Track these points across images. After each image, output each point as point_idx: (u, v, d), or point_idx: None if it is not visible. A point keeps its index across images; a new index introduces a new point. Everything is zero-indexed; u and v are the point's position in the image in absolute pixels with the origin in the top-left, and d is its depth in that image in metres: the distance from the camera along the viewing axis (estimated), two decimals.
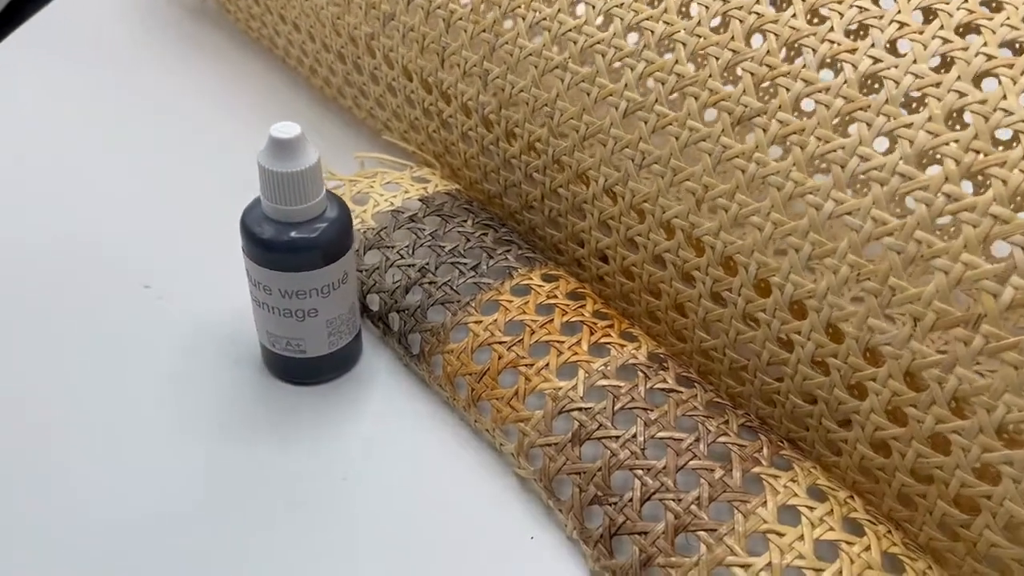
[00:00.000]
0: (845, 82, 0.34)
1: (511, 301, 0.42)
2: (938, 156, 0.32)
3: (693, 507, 0.34)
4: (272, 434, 0.41)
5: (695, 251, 0.39)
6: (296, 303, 0.39)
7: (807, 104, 0.36)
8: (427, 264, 0.44)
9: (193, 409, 0.41)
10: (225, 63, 0.67)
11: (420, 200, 0.48)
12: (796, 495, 0.35)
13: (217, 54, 0.68)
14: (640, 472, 0.36)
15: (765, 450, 0.36)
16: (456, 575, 0.36)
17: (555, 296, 0.43)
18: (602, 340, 0.40)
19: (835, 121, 0.34)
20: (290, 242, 0.38)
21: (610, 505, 0.36)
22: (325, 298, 0.40)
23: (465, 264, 0.44)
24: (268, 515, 0.37)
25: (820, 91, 0.34)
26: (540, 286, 0.43)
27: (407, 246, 0.45)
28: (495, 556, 0.37)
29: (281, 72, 0.67)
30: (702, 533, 0.34)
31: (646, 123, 0.39)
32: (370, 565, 0.36)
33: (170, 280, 0.48)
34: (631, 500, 0.35)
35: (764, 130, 0.36)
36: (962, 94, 0.32)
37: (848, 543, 0.33)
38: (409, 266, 0.45)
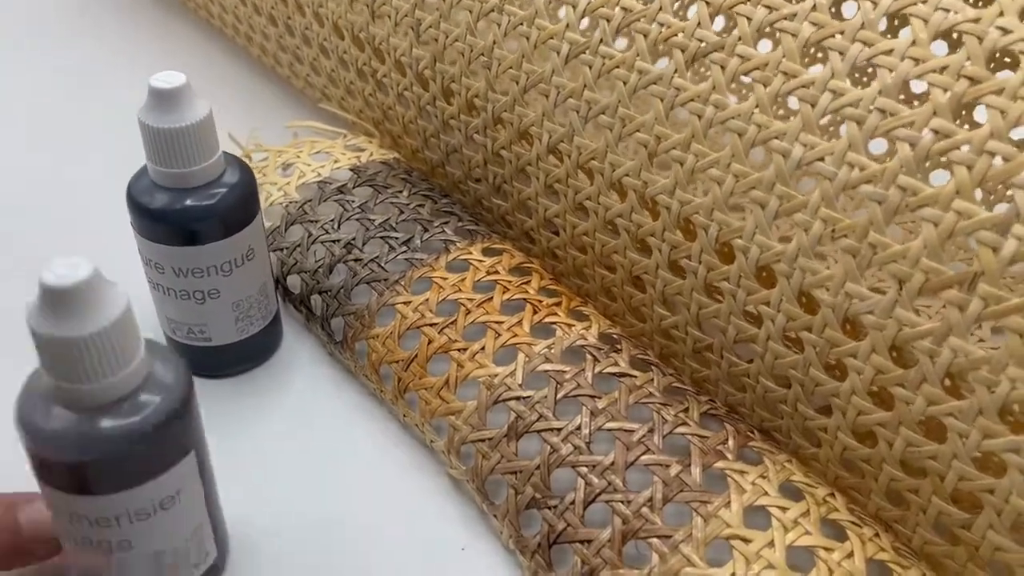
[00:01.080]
0: (814, 6, 0.29)
1: (446, 278, 0.37)
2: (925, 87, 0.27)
3: (644, 510, 0.29)
4: None
5: (650, 214, 0.34)
6: (194, 283, 0.34)
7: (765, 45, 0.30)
8: (353, 239, 0.39)
9: None
10: (157, 34, 0.62)
11: (351, 170, 0.43)
12: (766, 494, 0.29)
13: (149, 24, 0.63)
14: (584, 470, 0.30)
15: (731, 441, 0.31)
16: None
17: (496, 272, 0.37)
18: (547, 320, 0.35)
19: (803, 53, 0.29)
20: (182, 211, 0.33)
21: (549, 509, 0.30)
22: (227, 276, 0.35)
23: (396, 238, 0.39)
24: None
25: (785, 18, 0.29)
26: (480, 261, 0.38)
27: (332, 220, 0.40)
28: (421, 569, 0.31)
29: (218, 41, 0.62)
30: (654, 540, 0.29)
31: (591, 68, 0.34)
32: None
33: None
34: (573, 503, 0.30)
35: (723, 67, 0.30)
36: (951, 11, 0.26)
37: (827, 549, 0.28)
38: (334, 242, 0.39)
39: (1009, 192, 0.25)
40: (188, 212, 0.33)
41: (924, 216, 0.26)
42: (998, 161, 0.25)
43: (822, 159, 0.28)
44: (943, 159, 0.26)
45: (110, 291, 0.24)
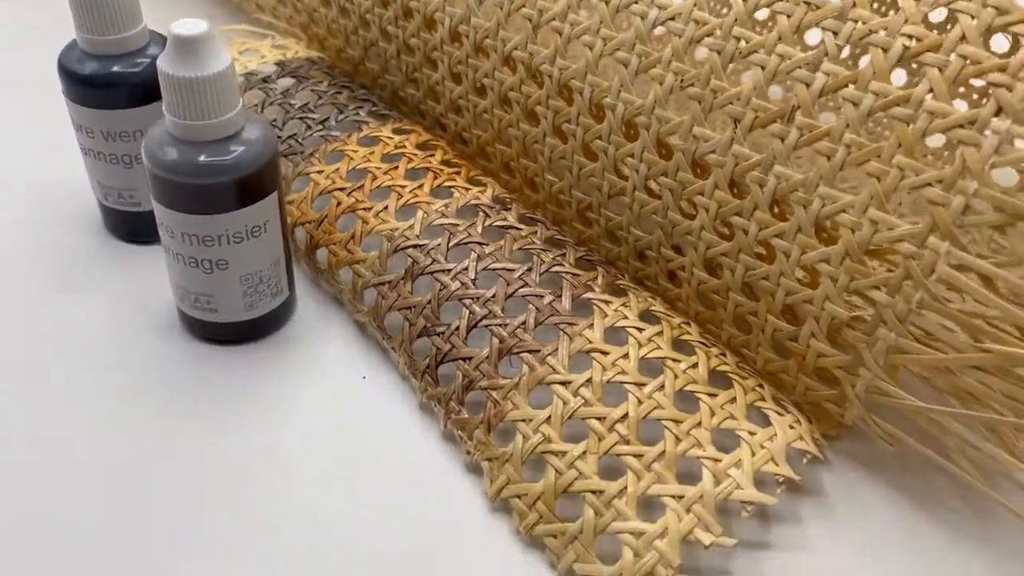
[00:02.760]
0: None
1: (356, 151, 0.41)
2: None
3: (519, 331, 0.33)
4: (105, 292, 0.39)
5: (536, 84, 0.38)
6: (121, 147, 0.38)
7: None
8: (274, 120, 0.43)
9: (26, 273, 0.39)
10: None
11: (276, 64, 0.46)
12: (626, 318, 0.33)
13: None
14: (468, 301, 0.34)
15: (600, 279, 0.35)
16: (281, 421, 0.34)
17: (404, 147, 0.41)
18: (446, 184, 0.39)
19: None
20: (110, 76, 0.36)
21: (438, 335, 0.34)
22: None
23: (313, 119, 0.42)
24: (97, 372, 0.36)
25: None
26: (390, 138, 0.41)
27: (255, 106, 0.44)
28: (322, 399, 0.35)
29: None
30: (525, 355, 0.32)
31: None
32: (184, 416, 0.34)
33: None
34: (457, 328, 0.34)
35: None
36: None
37: (675, 360, 0.32)
38: None
39: (819, 35, 0.29)
40: (115, 77, 0.36)
41: (753, 61, 0.30)
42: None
43: (673, 19, 0.32)
44: (770, 9, 0.30)
45: (220, 48, 0.31)
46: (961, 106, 0.33)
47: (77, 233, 0.41)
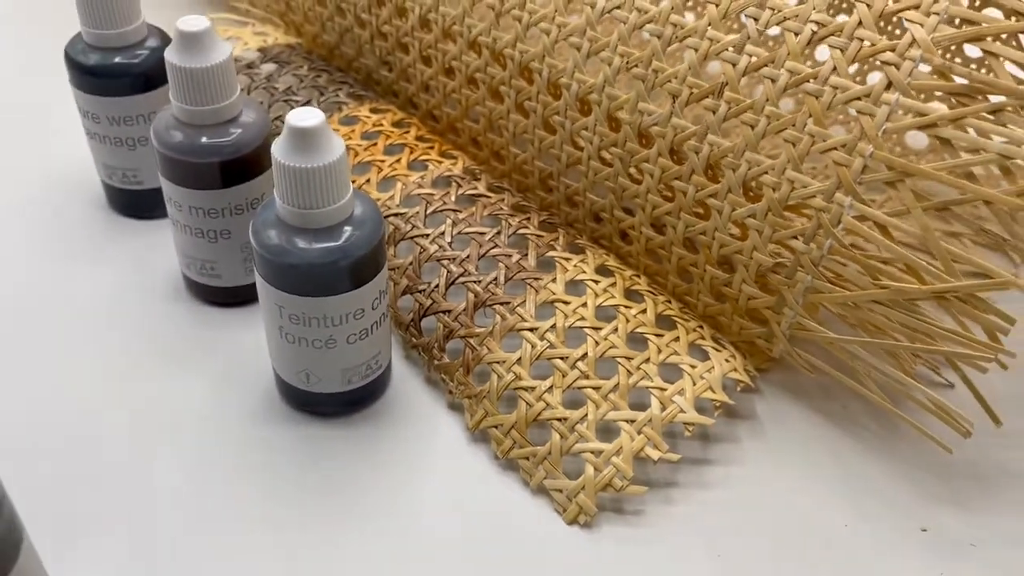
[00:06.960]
0: None
1: (338, 130, 0.45)
2: None
3: (491, 286, 0.38)
4: (113, 262, 0.43)
5: (500, 66, 0.42)
6: (125, 131, 0.41)
7: None
8: (260, 103, 0.47)
9: (38, 246, 0.43)
10: None
11: (258, 50, 0.50)
12: (584, 272, 0.38)
13: None
14: (446, 262, 0.39)
15: (561, 239, 0.40)
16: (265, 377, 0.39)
17: (381, 125, 0.45)
18: (421, 157, 0.43)
19: None
20: (113, 67, 0.40)
21: (419, 292, 0.39)
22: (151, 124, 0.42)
23: (296, 101, 0.46)
24: (107, 333, 0.40)
25: None
26: (368, 117, 0.46)
27: (242, 90, 0.47)
28: None
29: None
30: (498, 306, 0.37)
31: None
32: (190, 372, 0.39)
33: (10, 126, 0.49)
34: (437, 286, 0.38)
35: None
36: None
37: (626, 307, 0.37)
38: None
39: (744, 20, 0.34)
40: (118, 68, 0.40)
41: (688, 44, 0.35)
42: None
43: (619, 7, 0.37)
44: None
45: (220, 41, 0.35)
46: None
47: (82, 209, 0.45)
